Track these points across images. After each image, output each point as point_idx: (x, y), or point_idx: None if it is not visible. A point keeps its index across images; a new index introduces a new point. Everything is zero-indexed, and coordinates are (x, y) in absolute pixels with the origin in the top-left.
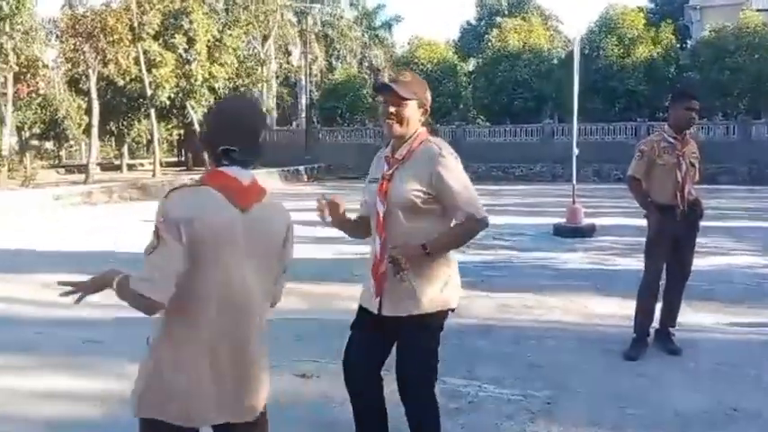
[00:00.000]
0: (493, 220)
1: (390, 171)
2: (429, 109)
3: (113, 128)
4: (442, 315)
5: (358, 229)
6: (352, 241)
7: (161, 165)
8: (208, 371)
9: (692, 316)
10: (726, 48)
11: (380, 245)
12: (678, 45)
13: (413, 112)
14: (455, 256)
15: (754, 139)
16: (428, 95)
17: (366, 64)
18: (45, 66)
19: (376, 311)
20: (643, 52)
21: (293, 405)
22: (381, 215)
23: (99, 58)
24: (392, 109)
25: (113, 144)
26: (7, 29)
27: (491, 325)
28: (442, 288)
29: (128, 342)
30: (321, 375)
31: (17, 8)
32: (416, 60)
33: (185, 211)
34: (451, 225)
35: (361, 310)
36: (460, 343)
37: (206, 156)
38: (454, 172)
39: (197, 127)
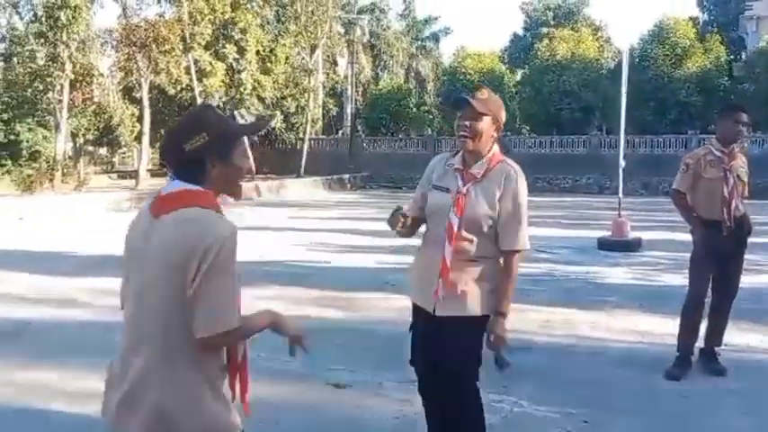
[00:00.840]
0: (537, 232)
1: (466, 187)
2: (503, 126)
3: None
4: (487, 318)
5: (411, 231)
6: (389, 251)
7: None
8: (113, 373)
9: (738, 336)
10: None
11: (450, 255)
12: (732, 56)
13: (487, 127)
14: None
15: None
16: (503, 114)
17: (412, 74)
18: (100, 74)
19: (431, 311)
20: (695, 63)
21: (324, 414)
22: (455, 228)
23: (151, 67)
24: (467, 123)
25: None
26: (64, 38)
27: (530, 339)
28: (491, 293)
29: None
30: (354, 386)
31: (74, 18)
32: (463, 70)
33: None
34: (503, 259)
35: (416, 308)
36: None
37: None
38: (519, 198)
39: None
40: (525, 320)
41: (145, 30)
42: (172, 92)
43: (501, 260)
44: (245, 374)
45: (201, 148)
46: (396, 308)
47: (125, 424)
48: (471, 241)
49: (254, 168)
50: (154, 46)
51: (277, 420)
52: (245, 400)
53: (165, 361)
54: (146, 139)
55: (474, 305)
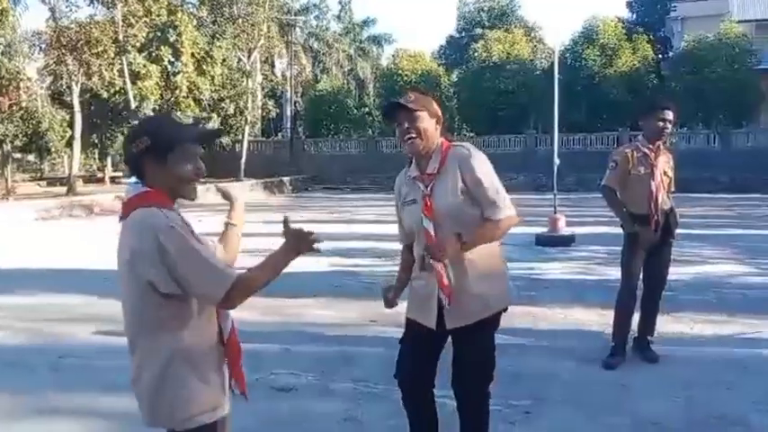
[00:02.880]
0: None
1: (429, 187)
2: (442, 118)
3: (96, 140)
4: (500, 314)
5: (409, 264)
6: (332, 254)
7: None
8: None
9: (669, 325)
10: (706, 58)
11: (440, 264)
12: (659, 55)
13: (427, 123)
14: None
15: (735, 148)
16: (436, 107)
17: (352, 76)
18: (27, 78)
19: (434, 326)
20: (624, 63)
21: (270, 419)
22: (432, 232)
23: (83, 70)
24: (406, 125)
25: (96, 157)
26: None
27: None
28: (503, 287)
29: None
30: (299, 389)
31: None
32: (401, 72)
33: None
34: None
35: (413, 324)
36: (442, 354)
37: None
38: (484, 168)
39: None
40: None
41: (76, 32)
42: (105, 95)
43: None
44: (235, 358)
45: (142, 152)
46: (339, 311)
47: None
48: (455, 237)
49: (201, 173)
50: (86, 48)
51: None
52: (240, 381)
53: (149, 353)
54: (77, 144)
55: (491, 304)
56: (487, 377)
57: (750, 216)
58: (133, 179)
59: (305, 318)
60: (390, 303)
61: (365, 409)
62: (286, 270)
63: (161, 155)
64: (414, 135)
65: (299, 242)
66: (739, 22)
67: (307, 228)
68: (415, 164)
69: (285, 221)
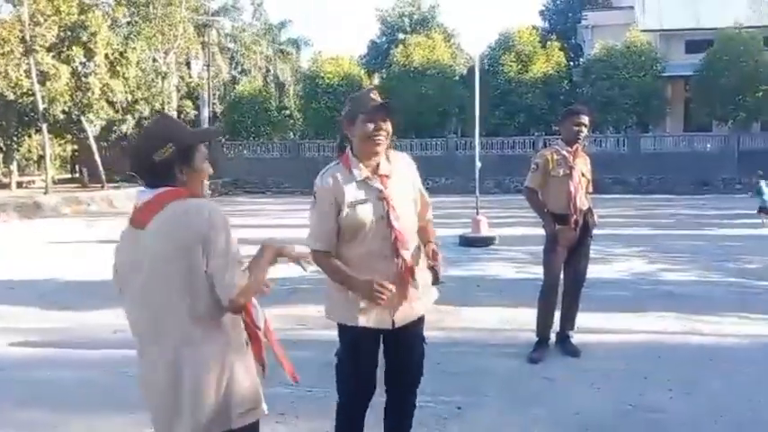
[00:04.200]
0: None
1: (387, 189)
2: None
3: (1, 144)
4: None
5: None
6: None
7: (53, 182)
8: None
9: (589, 319)
10: (615, 65)
11: (403, 261)
12: (571, 62)
13: (390, 127)
14: None
15: (643, 151)
16: None
17: (271, 78)
18: None
19: (392, 326)
20: (539, 69)
21: None
22: (400, 229)
23: None
24: (382, 125)
25: (1, 161)
26: None
27: None
28: (433, 288)
29: None
30: None
31: None
32: (323, 75)
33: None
34: (424, 225)
35: (359, 331)
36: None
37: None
38: (418, 175)
39: (92, 142)
40: None
41: None
42: (11, 97)
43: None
44: (273, 342)
45: (170, 158)
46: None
47: (170, 413)
48: (412, 238)
49: (211, 170)
50: None
51: None
52: (287, 366)
53: (191, 344)
54: None
55: (430, 300)
56: (421, 372)
57: (657, 216)
58: (140, 187)
59: None
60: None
61: (300, 412)
62: None
63: (188, 158)
64: (384, 135)
65: (296, 257)
66: (644, 31)
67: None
68: (358, 165)
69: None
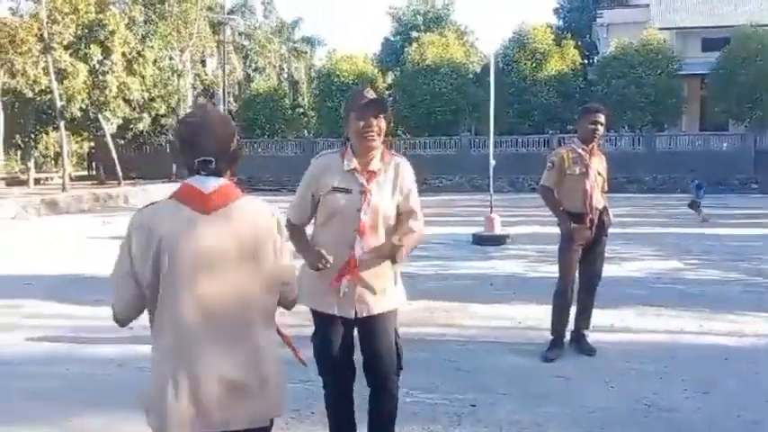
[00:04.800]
0: None
1: (371, 185)
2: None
3: (20, 141)
4: (395, 312)
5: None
6: None
7: (70, 179)
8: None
9: (604, 318)
10: (630, 63)
11: (360, 251)
12: (586, 60)
13: (384, 124)
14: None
15: (658, 150)
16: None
17: (285, 76)
18: None
19: (352, 316)
20: (553, 67)
21: None
22: (367, 225)
23: (5, 68)
24: (374, 121)
25: (19, 158)
26: None
27: (416, 333)
28: (400, 287)
29: None
30: None
31: None
32: (337, 73)
33: (144, 222)
34: (407, 231)
35: (322, 316)
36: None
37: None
38: (413, 181)
39: (109, 139)
40: (409, 314)
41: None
42: (29, 94)
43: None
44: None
45: (238, 147)
46: (280, 312)
47: (230, 412)
48: (380, 236)
49: None
50: (9, 47)
51: None
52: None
53: (269, 343)
54: None
55: (392, 301)
56: (398, 366)
57: (672, 215)
58: (198, 176)
59: None
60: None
61: (315, 408)
62: None
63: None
64: (377, 132)
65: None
66: (661, 29)
67: None
68: (351, 157)
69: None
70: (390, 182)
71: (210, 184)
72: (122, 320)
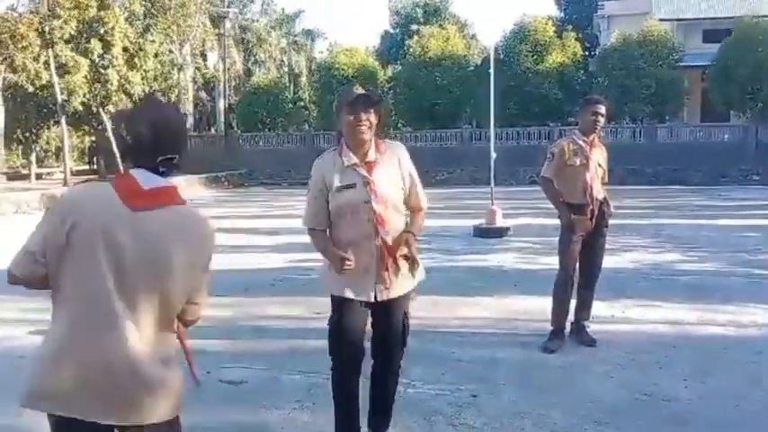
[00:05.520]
0: None
1: (372, 175)
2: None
3: (21, 136)
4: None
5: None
6: (271, 249)
7: (72, 173)
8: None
9: (604, 309)
10: (631, 55)
11: (383, 239)
12: (587, 52)
13: (374, 118)
14: None
15: (659, 141)
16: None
17: (285, 69)
18: None
19: (373, 299)
20: (554, 59)
21: (221, 412)
22: (382, 213)
23: (6, 63)
24: (363, 116)
25: (20, 153)
26: None
27: (417, 324)
28: (420, 267)
29: None
30: (250, 381)
31: None
32: (337, 66)
33: (70, 200)
34: (413, 213)
35: (348, 302)
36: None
37: (121, 161)
38: (412, 164)
39: (110, 134)
40: (411, 306)
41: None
42: (30, 89)
43: (412, 214)
44: (186, 343)
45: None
46: (283, 305)
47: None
48: (394, 221)
49: None
50: (10, 43)
51: None
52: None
53: (158, 338)
54: (0, 140)
55: (410, 281)
56: (404, 346)
57: (673, 207)
58: (144, 170)
59: (251, 313)
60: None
61: (316, 399)
62: (228, 267)
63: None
64: (367, 125)
65: None
66: (662, 20)
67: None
68: (348, 153)
69: None
70: (391, 167)
71: (153, 182)
72: (14, 279)
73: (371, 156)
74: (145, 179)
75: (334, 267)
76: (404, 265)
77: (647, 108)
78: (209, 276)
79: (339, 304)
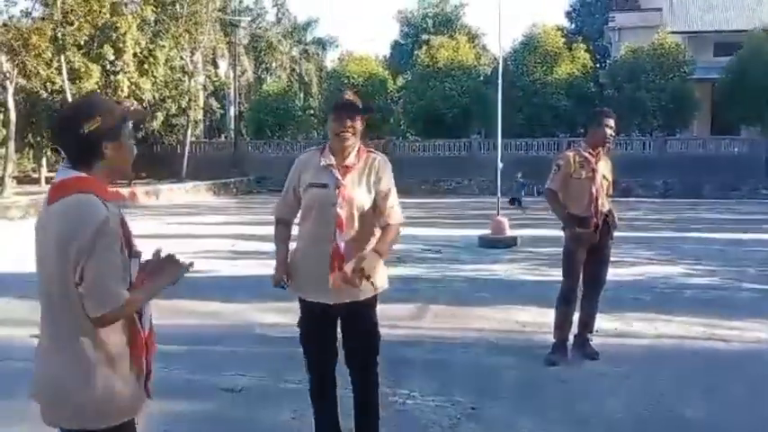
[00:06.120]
0: (422, 232)
1: (345, 179)
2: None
3: (32, 140)
4: (376, 298)
5: (286, 237)
6: (272, 257)
7: None
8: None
9: (608, 323)
10: (642, 67)
11: (343, 243)
12: (597, 64)
13: (360, 125)
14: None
15: (668, 154)
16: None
17: (296, 78)
18: None
19: (331, 302)
20: (564, 70)
21: (218, 420)
22: (344, 217)
23: (17, 69)
24: (349, 122)
25: (32, 157)
26: None
27: (418, 335)
28: (382, 273)
29: None
30: (248, 389)
31: None
32: (347, 74)
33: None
34: (383, 228)
35: (308, 303)
36: (389, 353)
37: None
38: (391, 177)
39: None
40: (412, 317)
41: (13, 34)
42: (44, 95)
43: (383, 230)
44: (149, 354)
45: (97, 131)
46: (281, 312)
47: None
48: (358, 227)
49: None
50: (23, 51)
51: (168, 431)
52: (147, 381)
53: (63, 340)
54: (11, 144)
55: (376, 285)
56: (376, 348)
57: (682, 220)
58: (63, 164)
59: (251, 320)
60: (283, 281)
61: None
62: (231, 273)
63: (116, 133)
64: (351, 132)
65: (173, 268)
66: (673, 33)
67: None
68: (328, 154)
69: (157, 253)
70: (365, 175)
71: (58, 176)
72: None
73: (350, 160)
74: (58, 173)
75: (274, 275)
76: (353, 274)
77: (657, 120)
78: (100, 270)
79: (302, 305)
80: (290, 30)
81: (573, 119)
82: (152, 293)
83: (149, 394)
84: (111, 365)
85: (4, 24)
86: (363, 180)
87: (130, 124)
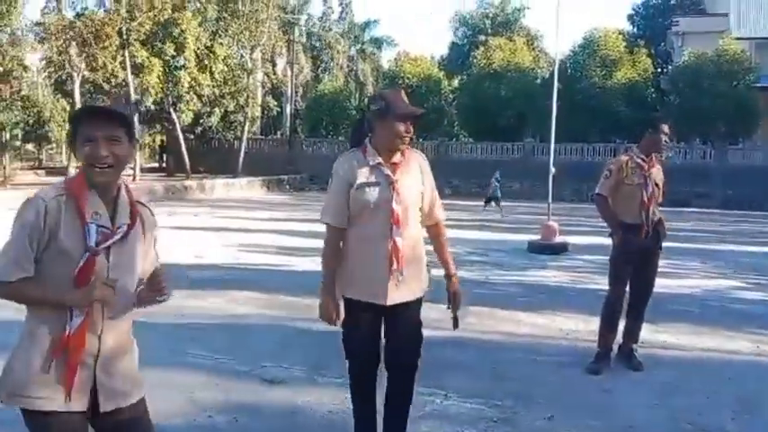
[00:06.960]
0: (471, 235)
1: (396, 176)
2: None
3: None
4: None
5: (338, 253)
6: (312, 254)
7: (141, 170)
8: None
9: (654, 334)
10: (705, 73)
11: (400, 239)
12: (659, 69)
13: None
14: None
15: (730, 164)
16: None
17: (352, 77)
18: (25, 68)
19: (386, 302)
20: (624, 75)
21: (258, 411)
22: (399, 213)
23: (86, 61)
24: (409, 128)
25: None
26: None
27: (461, 337)
28: (426, 275)
29: None
30: (288, 382)
31: (7, 10)
32: (403, 75)
33: None
34: (432, 226)
35: (359, 304)
36: (430, 354)
37: None
38: (432, 177)
39: (179, 133)
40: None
41: (86, 25)
42: (107, 87)
43: (433, 231)
44: (69, 356)
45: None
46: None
47: None
48: (410, 224)
49: (97, 158)
50: (93, 42)
51: (212, 418)
52: (67, 383)
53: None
54: None
55: (422, 287)
56: (420, 348)
57: (739, 233)
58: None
59: (295, 313)
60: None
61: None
62: (279, 267)
63: (72, 136)
64: (409, 137)
65: (94, 291)
66: (738, 39)
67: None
68: (374, 153)
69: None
70: (413, 172)
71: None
72: None
73: (397, 157)
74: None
75: (324, 311)
76: (413, 272)
77: (719, 128)
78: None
79: (350, 306)
80: (348, 29)
81: (632, 125)
82: (50, 299)
83: (69, 395)
84: (32, 352)
85: (79, 15)
86: (413, 177)
87: (86, 130)
